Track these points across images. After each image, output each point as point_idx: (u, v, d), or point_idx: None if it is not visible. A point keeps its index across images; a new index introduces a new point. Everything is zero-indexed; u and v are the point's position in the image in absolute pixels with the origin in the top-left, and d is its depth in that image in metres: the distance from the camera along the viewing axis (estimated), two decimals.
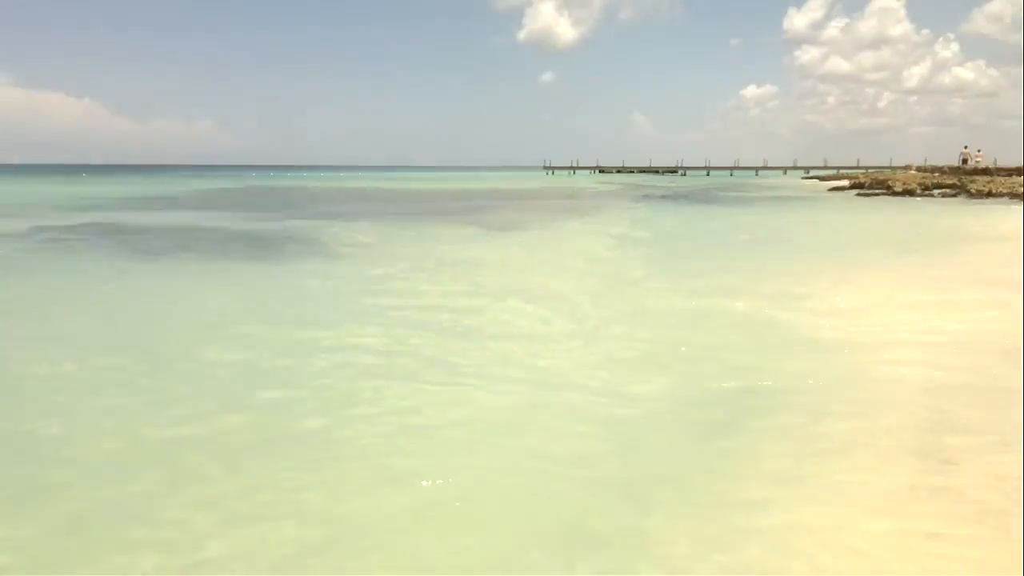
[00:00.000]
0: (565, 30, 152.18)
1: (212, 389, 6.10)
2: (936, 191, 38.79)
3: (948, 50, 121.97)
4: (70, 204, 32.08)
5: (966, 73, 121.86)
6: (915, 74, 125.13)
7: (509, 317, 9.02)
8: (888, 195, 39.63)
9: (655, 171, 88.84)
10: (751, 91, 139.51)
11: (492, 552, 3.69)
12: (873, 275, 11.88)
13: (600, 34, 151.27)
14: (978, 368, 6.50)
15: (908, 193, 38.75)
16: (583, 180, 74.13)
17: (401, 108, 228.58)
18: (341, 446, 4.94)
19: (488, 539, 3.82)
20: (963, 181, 39.44)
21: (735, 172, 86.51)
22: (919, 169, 51.39)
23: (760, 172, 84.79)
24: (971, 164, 48.96)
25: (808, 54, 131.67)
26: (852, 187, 46.70)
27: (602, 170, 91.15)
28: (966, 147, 51.31)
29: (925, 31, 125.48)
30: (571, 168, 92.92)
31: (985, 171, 45.91)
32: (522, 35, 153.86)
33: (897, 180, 43.34)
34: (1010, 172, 43.91)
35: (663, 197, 42.37)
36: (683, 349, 7.49)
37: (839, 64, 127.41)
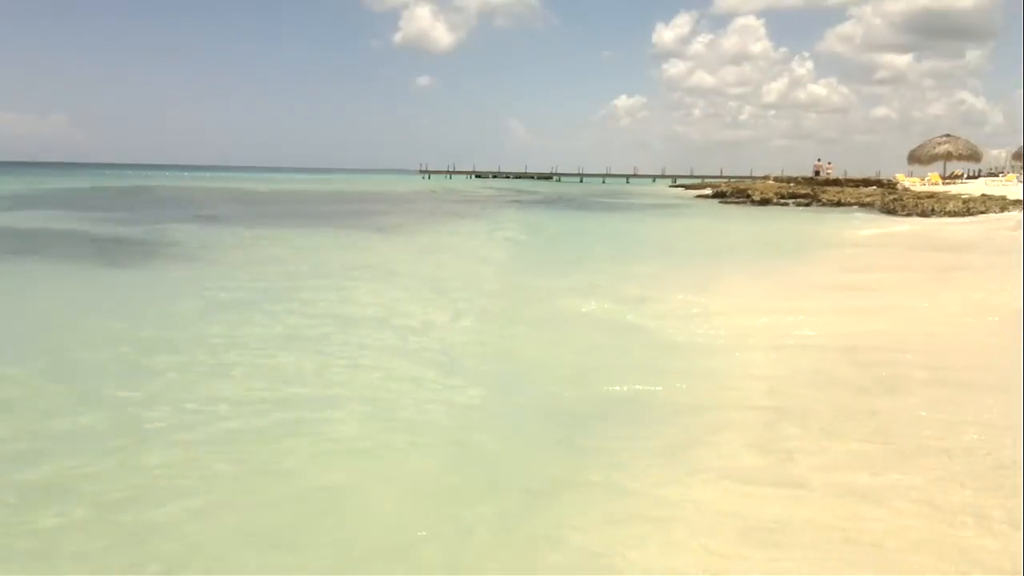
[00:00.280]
0: (441, 35, 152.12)
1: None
2: (791, 200, 40.99)
3: (803, 68, 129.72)
4: None
5: (819, 90, 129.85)
6: (774, 89, 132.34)
7: (372, 320, 8.86)
8: (748, 203, 41.60)
9: (530, 177, 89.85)
10: (622, 101, 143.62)
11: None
12: (730, 280, 12.36)
13: (476, 40, 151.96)
14: (822, 367, 6.77)
15: (766, 202, 40.78)
16: (460, 184, 74.16)
17: (275, 108, 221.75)
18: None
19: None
20: (816, 191, 41.88)
21: (607, 179, 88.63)
22: (776, 179, 54.08)
23: (631, 180, 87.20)
24: (823, 175, 52.05)
25: (675, 68, 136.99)
26: (715, 195, 48.71)
27: (478, 175, 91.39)
28: (819, 159, 54.57)
29: (783, 49, 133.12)
30: (448, 172, 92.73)
31: (836, 182, 48.96)
32: (398, 38, 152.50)
33: (756, 189, 45.52)
34: (857, 183, 47.01)
35: (538, 202, 42.96)
36: (538, 352, 7.55)
37: (704, 78, 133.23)
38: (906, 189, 41.73)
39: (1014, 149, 50.75)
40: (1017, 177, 45.76)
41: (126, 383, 6.10)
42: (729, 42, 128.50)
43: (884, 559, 3.43)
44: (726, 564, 3.46)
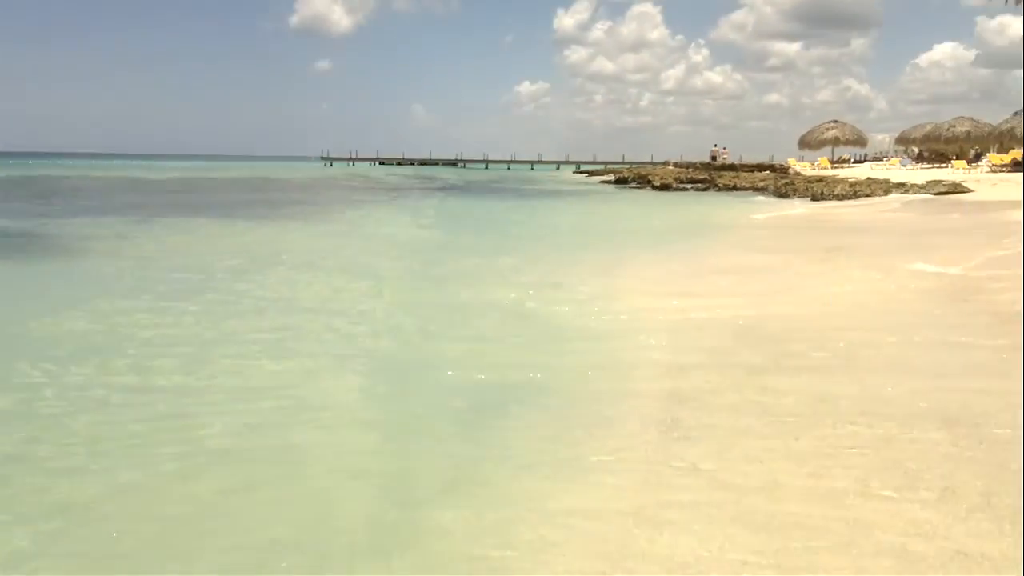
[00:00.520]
0: (340, 18, 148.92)
1: None
2: (690, 185, 42.02)
3: (699, 55, 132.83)
4: None
5: (715, 77, 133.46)
6: (672, 76, 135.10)
7: (267, 309, 8.64)
8: (649, 189, 42.42)
9: (435, 163, 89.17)
10: (526, 87, 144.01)
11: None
12: (630, 264, 12.57)
13: (376, 24, 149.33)
14: (718, 348, 6.91)
15: (666, 187, 41.68)
16: (363, 171, 72.92)
17: (165, 92, 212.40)
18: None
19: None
20: (713, 176, 43.05)
21: (512, 165, 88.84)
22: (676, 165, 55.39)
23: (535, 166, 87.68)
24: (720, 160, 53.57)
25: (576, 54, 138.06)
26: (617, 181, 49.58)
27: (382, 162, 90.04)
28: (715, 145, 56.24)
29: (679, 37, 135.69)
30: (350, 159, 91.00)
31: (732, 167, 50.46)
32: (295, 20, 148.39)
33: (656, 175, 46.45)
34: (752, 168, 48.55)
35: (444, 189, 42.74)
36: (437, 339, 7.48)
37: (605, 64, 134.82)
38: (797, 173, 43.38)
39: (897, 134, 53.45)
40: (900, 161, 48.22)
41: None
42: (628, 29, 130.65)
43: (771, 537, 3.47)
44: (618, 548, 3.45)
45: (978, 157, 41.96)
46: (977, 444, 4.38)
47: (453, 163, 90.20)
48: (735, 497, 3.86)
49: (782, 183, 36.70)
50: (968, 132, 43.43)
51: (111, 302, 8.92)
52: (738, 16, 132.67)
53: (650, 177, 46.07)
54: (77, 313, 8.23)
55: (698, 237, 17.17)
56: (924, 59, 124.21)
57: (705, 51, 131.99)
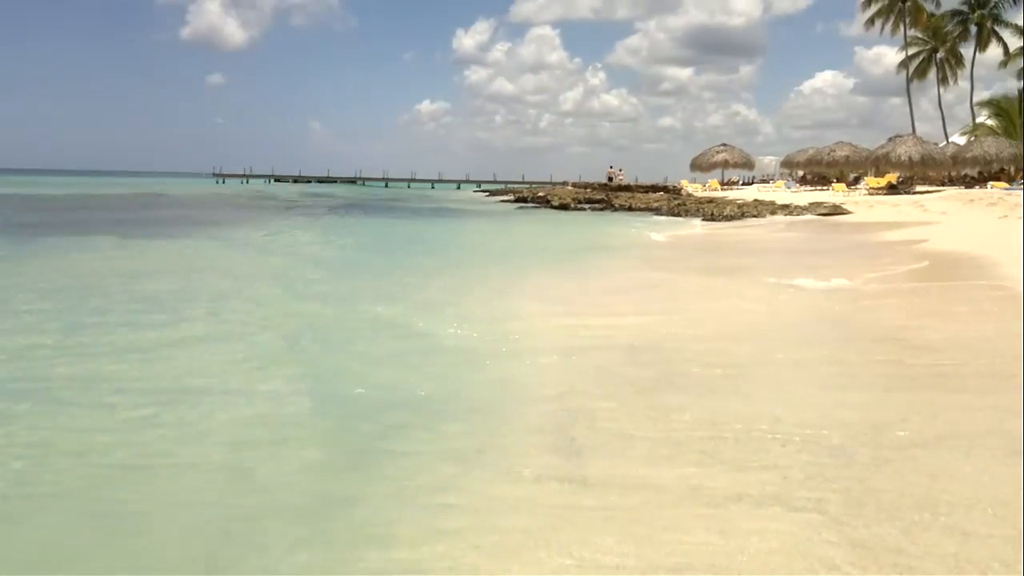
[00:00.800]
0: (234, 31, 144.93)
1: None
2: (588, 205, 42.60)
3: (597, 78, 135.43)
4: None
5: (612, 100, 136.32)
6: (570, 98, 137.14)
7: (150, 335, 8.18)
8: (548, 208, 42.78)
9: (333, 181, 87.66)
10: (426, 106, 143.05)
11: None
12: (526, 283, 12.62)
13: (272, 38, 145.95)
14: (607, 367, 6.93)
15: (564, 207, 42.10)
16: (258, 188, 70.98)
17: (48, 105, 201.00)
18: None
19: None
20: (609, 196, 43.80)
21: (412, 184, 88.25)
22: (575, 185, 56.16)
23: (436, 185, 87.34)
24: (616, 181, 54.56)
25: (477, 74, 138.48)
26: (517, 200, 49.84)
27: (278, 179, 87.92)
28: (611, 166, 57.05)
29: (577, 59, 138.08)
30: (244, 176, 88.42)
31: (627, 188, 51.50)
32: (186, 33, 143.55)
33: (555, 195, 46.98)
34: (647, 189, 49.71)
35: (343, 207, 41.93)
36: (329, 360, 7.30)
37: (504, 85, 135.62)
38: (690, 195, 44.65)
39: (782, 157, 55.77)
40: (785, 183, 50.36)
41: None
42: (527, 51, 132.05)
43: (659, 549, 3.50)
44: (512, 564, 3.43)
45: (857, 180, 44.22)
46: (849, 460, 4.49)
47: (352, 181, 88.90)
48: (625, 515, 3.86)
49: (675, 204, 37.71)
50: (847, 156, 45.61)
51: None
52: (633, 41, 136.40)
53: (549, 197, 46.54)
54: None
55: (595, 257, 17.36)
56: (807, 86, 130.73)
57: (602, 74, 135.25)
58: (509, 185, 72.96)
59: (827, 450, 4.62)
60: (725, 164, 54.54)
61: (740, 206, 33.13)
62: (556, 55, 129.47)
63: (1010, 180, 37.33)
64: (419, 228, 28.09)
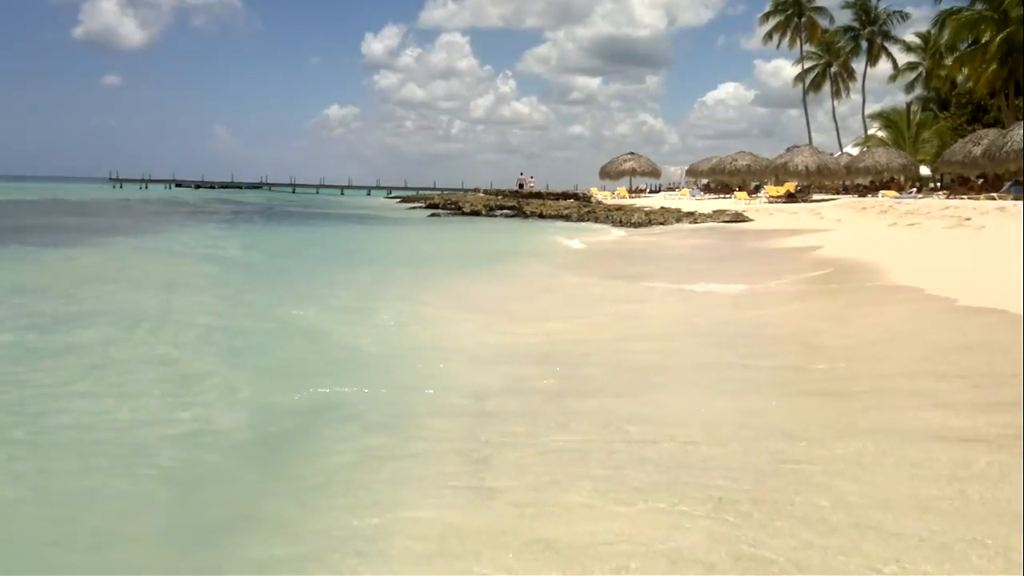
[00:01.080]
0: (131, 31, 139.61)
1: None
2: (499, 212, 42.77)
3: (507, 86, 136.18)
4: None
5: (522, 107, 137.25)
6: (481, 105, 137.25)
7: (51, 347, 7.77)
8: (459, 215, 42.74)
9: (238, 187, 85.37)
10: (335, 111, 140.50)
11: None
12: (437, 289, 12.52)
13: (173, 39, 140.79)
14: (517, 374, 6.94)
15: (476, 214, 42.19)
16: (158, 195, 68.53)
17: None
18: None
19: None
20: (521, 204, 44.08)
21: (321, 190, 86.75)
22: (486, 192, 56.35)
23: (346, 191, 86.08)
24: (527, 188, 55.05)
25: (386, 79, 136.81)
26: (428, 207, 49.58)
27: (179, 184, 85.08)
28: (522, 173, 57.79)
29: (488, 67, 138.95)
30: (143, 181, 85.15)
31: (538, 195, 51.98)
32: (80, 32, 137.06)
33: (467, 202, 47.02)
34: (558, 196, 50.27)
35: (249, 214, 40.84)
36: (236, 369, 7.04)
37: (415, 91, 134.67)
38: (599, 202, 45.39)
39: (687, 166, 57.32)
40: (690, 191, 51.73)
41: None
42: (437, 57, 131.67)
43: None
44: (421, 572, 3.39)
45: (758, 189, 45.80)
46: (749, 460, 4.59)
47: (258, 186, 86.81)
48: (527, 523, 3.85)
49: (585, 211, 38.25)
50: (748, 166, 47.22)
51: None
52: (542, 50, 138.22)
53: (461, 204, 46.52)
54: None
55: (507, 263, 17.37)
56: (710, 97, 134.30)
57: (512, 82, 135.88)
58: (421, 192, 72.58)
59: (727, 452, 4.71)
60: (633, 172, 55.69)
61: (648, 213, 33.83)
62: (466, 62, 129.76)
63: (900, 189, 39.36)
64: (329, 235, 27.59)
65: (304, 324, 9.15)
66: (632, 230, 29.50)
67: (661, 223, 30.98)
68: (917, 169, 41.90)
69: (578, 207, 40.73)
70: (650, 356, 7.62)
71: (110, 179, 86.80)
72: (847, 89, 56.87)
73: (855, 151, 48.12)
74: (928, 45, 47.96)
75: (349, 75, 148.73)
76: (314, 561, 3.56)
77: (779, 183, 42.18)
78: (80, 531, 3.96)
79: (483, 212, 42.74)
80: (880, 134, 50.18)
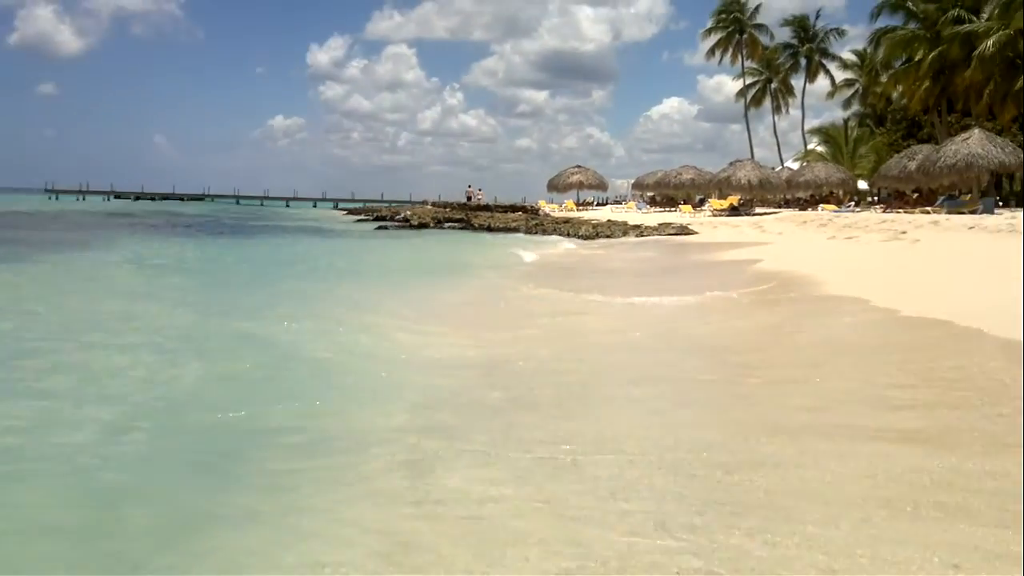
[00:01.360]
0: (68, 39, 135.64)
1: None
2: (447, 224, 42.63)
3: (454, 98, 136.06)
4: None
5: (470, 120, 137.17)
6: (428, 117, 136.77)
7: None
8: (407, 227, 42.46)
9: (179, 198, 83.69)
10: (279, 121, 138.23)
11: None
12: (382, 301, 12.39)
13: (111, 47, 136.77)
14: (463, 385, 6.95)
15: (423, 226, 41.97)
16: (95, 206, 66.67)
17: None
18: None
19: None
20: (469, 216, 44.00)
21: (265, 202, 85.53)
22: (434, 204, 56.11)
23: (291, 203, 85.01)
24: (475, 201, 54.97)
25: (332, 90, 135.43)
26: (375, 219, 49.17)
27: (118, 195, 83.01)
28: (470, 186, 57.59)
29: (435, 79, 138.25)
30: (80, 192, 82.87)
31: (487, 207, 51.96)
32: (14, 39, 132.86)
33: (415, 214, 46.75)
34: (506, 209, 50.32)
35: (190, 227, 39.93)
36: (183, 380, 7.02)
37: (361, 102, 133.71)
38: (547, 215, 45.55)
39: (633, 179, 57.97)
40: (636, 204, 52.29)
41: None
42: (384, 69, 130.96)
43: (512, 567, 3.51)
44: None
45: (702, 202, 46.51)
46: (690, 476, 4.60)
47: (200, 198, 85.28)
48: (475, 538, 3.86)
49: (533, 223, 38.35)
50: (693, 179, 47.97)
51: None
52: (489, 63, 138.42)
53: (408, 216, 46.24)
54: None
55: (451, 277, 17.30)
56: (655, 112, 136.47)
57: (460, 95, 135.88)
58: (368, 203, 72.00)
59: (669, 468, 4.73)
60: (580, 185, 56.09)
61: (595, 226, 34.08)
62: (413, 74, 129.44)
63: (839, 203, 40.38)
64: (275, 247, 27.20)
65: (250, 336, 9.01)
66: (580, 243, 29.67)
67: (608, 236, 31.23)
68: (855, 183, 43.08)
69: (526, 220, 40.83)
70: (595, 370, 7.67)
71: (46, 190, 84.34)
72: (787, 105, 58.36)
73: (795, 165, 49.28)
74: (864, 63, 49.48)
75: (294, 86, 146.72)
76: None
77: (723, 197, 42.92)
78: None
79: (431, 224, 42.55)
80: (819, 149, 51.49)
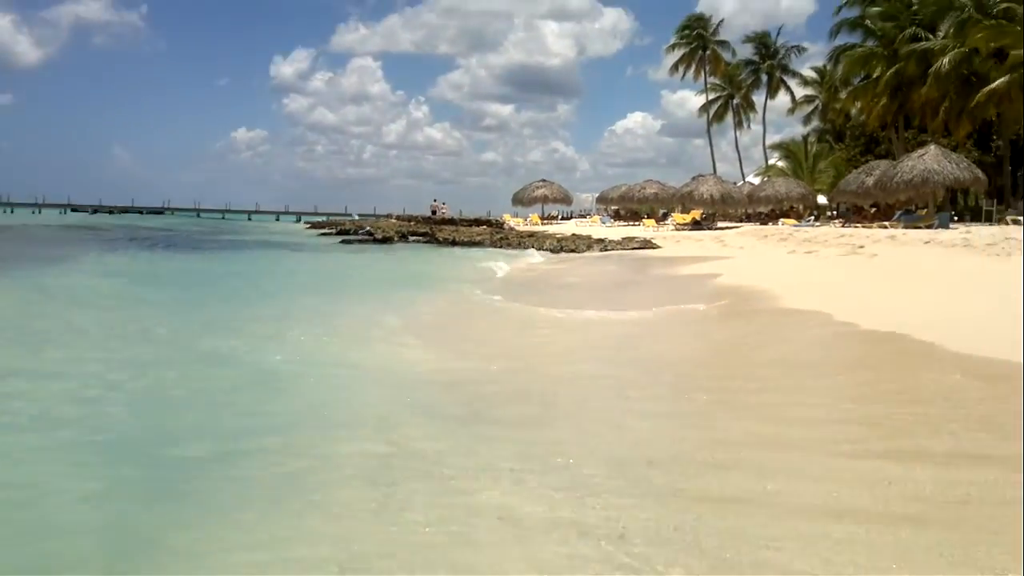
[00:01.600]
0: (26, 49, 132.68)
1: None
2: (412, 238, 42.38)
3: (420, 111, 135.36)
4: None
5: (435, 133, 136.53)
6: (393, 130, 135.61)
7: None
8: (371, 241, 42.10)
9: (138, 211, 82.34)
10: (242, 134, 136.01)
11: None
12: (346, 316, 12.27)
13: (71, 58, 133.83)
14: (428, 401, 6.92)
15: (388, 240, 41.64)
16: (52, 219, 65.34)
17: None
18: None
19: None
20: (433, 230, 43.81)
21: (227, 215, 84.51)
22: (399, 218, 55.87)
23: (253, 216, 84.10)
24: (439, 215, 54.86)
25: (296, 103, 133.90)
26: (339, 233, 48.74)
27: (74, 208, 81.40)
28: (435, 200, 57.54)
29: (400, 92, 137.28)
30: (36, 205, 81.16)
31: (451, 221, 51.83)
32: None
33: (379, 228, 46.42)
34: (471, 223, 50.24)
35: (152, 241, 39.14)
36: (128, 393, 6.96)
37: (326, 115, 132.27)
38: (512, 229, 45.55)
39: (598, 193, 58.26)
40: (600, 218, 52.52)
41: None
42: (349, 81, 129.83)
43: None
44: None
45: (665, 216, 46.83)
46: (648, 486, 4.61)
47: (159, 211, 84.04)
48: (440, 553, 3.87)
49: (498, 237, 38.28)
50: (656, 194, 48.30)
51: None
52: (455, 76, 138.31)
53: (373, 230, 45.90)
54: None
55: (419, 290, 17.08)
56: (619, 126, 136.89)
57: (425, 108, 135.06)
58: (332, 216, 71.44)
59: (628, 481, 4.71)
60: (545, 199, 56.23)
61: (559, 240, 34.11)
62: (378, 87, 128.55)
63: (799, 217, 40.90)
64: (237, 262, 26.77)
65: (212, 352, 8.92)
66: (544, 256, 29.61)
67: (572, 250, 31.24)
68: (815, 198, 43.69)
69: (491, 234, 40.75)
70: (553, 384, 7.65)
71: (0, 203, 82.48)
72: (749, 120, 59.23)
73: (757, 180, 49.92)
74: (824, 79, 50.34)
75: (257, 98, 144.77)
76: None
77: (685, 211, 43.23)
78: None
79: (395, 239, 42.25)
80: (780, 164, 52.21)
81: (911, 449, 4.95)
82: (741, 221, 44.29)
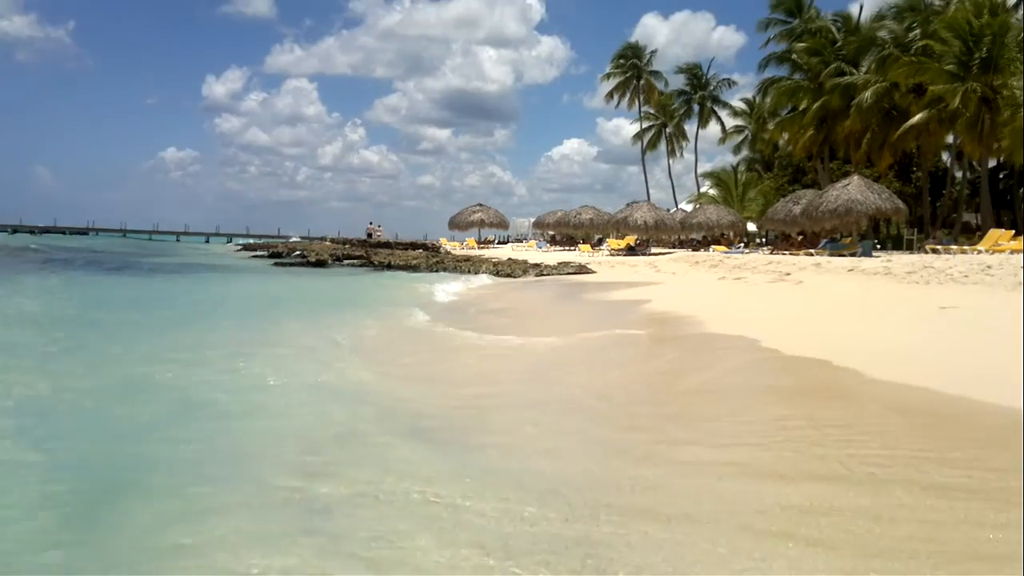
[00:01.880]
0: None
1: None
2: (347, 261, 41.84)
3: (356, 134, 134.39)
4: None
5: (372, 156, 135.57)
6: (329, 152, 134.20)
7: None
8: (304, 265, 41.40)
9: (62, 231, 79.61)
10: (172, 153, 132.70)
11: None
12: (281, 339, 12.04)
13: None
14: (354, 419, 6.98)
15: (321, 263, 41.01)
16: None
17: None
18: None
19: None
20: (369, 253, 43.39)
21: (155, 236, 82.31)
22: (333, 241, 55.26)
23: (182, 237, 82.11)
24: (375, 238, 54.45)
25: (228, 123, 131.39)
26: (271, 255, 47.90)
27: None
28: (371, 223, 57.17)
29: (336, 114, 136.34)
30: None
31: (387, 244, 51.45)
32: None
33: (312, 250, 45.79)
34: (407, 246, 49.95)
35: (75, 263, 37.75)
36: (53, 418, 6.65)
37: (259, 135, 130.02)
38: (448, 252, 45.44)
39: (534, 218, 58.57)
40: (536, 243, 52.78)
41: None
42: (283, 102, 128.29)
43: None
44: None
45: (600, 242, 47.34)
46: (575, 515, 4.61)
47: (84, 232, 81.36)
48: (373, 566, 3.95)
49: (434, 261, 38.11)
50: (591, 219, 48.81)
51: None
52: (392, 100, 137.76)
53: (306, 252, 45.21)
54: None
55: (347, 312, 16.80)
56: (556, 152, 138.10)
57: (362, 130, 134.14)
58: (264, 238, 70.23)
59: (561, 507, 4.70)
60: (482, 223, 56.35)
61: (495, 264, 34.10)
62: (314, 108, 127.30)
63: (729, 244, 41.78)
64: (162, 286, 26.05)
65: (151, 377, 8.76)
66: (480, 280, 29.51)
67: (508, 274, 31.24)
68: (744, 225, 44.74)
69: (427, 257, 40.58)
70: (485, 409, 7.63)
71: None
72: (681, 149, 60.48)
73: (689, 207, 50.88)
74: (753, 110, 51.81)
75: (188, 117, 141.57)
76: None
77: (620, 237, 43.76)
78: None
79: (329, 262, 41.65)
80: (711, 192, 53.36)
81: (828, 473, 5.00)
82: (674, 247, 45.03)
